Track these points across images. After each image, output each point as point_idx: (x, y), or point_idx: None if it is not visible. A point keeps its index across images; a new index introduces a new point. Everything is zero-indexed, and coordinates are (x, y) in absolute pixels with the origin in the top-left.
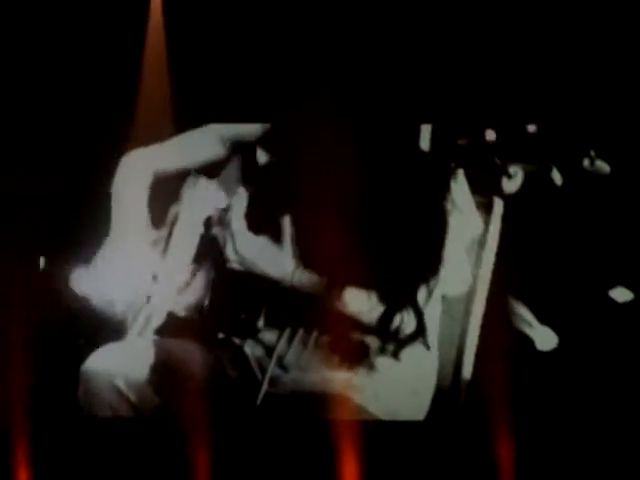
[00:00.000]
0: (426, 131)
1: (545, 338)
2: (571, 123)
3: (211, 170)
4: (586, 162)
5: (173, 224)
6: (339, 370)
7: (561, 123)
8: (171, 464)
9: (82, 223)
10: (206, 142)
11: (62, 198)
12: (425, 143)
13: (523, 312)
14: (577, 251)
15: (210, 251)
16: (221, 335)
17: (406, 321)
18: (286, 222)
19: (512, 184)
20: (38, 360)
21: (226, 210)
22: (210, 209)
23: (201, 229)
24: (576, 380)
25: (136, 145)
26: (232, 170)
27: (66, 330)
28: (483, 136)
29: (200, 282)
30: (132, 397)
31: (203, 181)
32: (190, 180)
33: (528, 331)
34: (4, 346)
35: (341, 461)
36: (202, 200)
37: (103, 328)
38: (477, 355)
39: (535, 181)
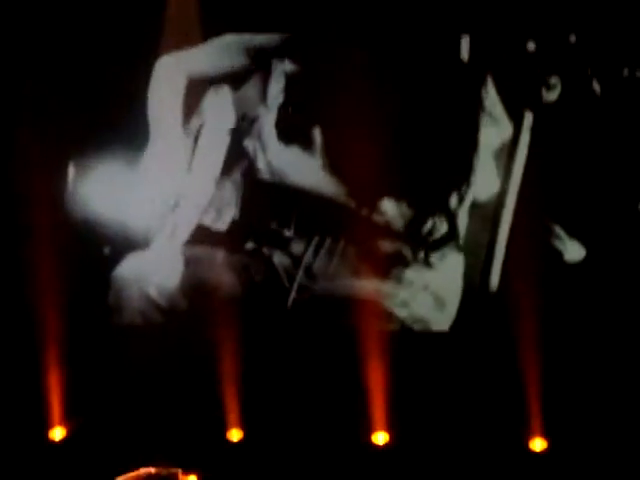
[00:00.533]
0: (466, 42)
1: (573, 250)
2: (611, 33)
3: (237, 80)
4: (626, 71)
5: (198, 134)
6: (367, 278)
7: (601, 33)
8: (200, 369)
9: (114, 129)
10: (231, 51)
11: (95, 103)
12: (465, 53)
13: (551, 224)
14: (609, 164)
15: (239, 162)
16: (250, 245)
17: (437, 225)
18: (316, 132)
19: (551, 94)
20: (66, 268)
21: (254, 121)
22: (235, 120)
23: (227, 140)
24: (603, 292)
25: (167, 50)
26: (259, 81)
27: (91, 239)
28: (524, 47)
29: (229, 193)
30: (163, 304)
31: (228, 91)
32: (215, 90)
33: (556, 243)
34: (34, 254)
35: (367, 367)
36: (227, 111)
37: (128, 237)
38: (504, 265)
39: (574, 91)
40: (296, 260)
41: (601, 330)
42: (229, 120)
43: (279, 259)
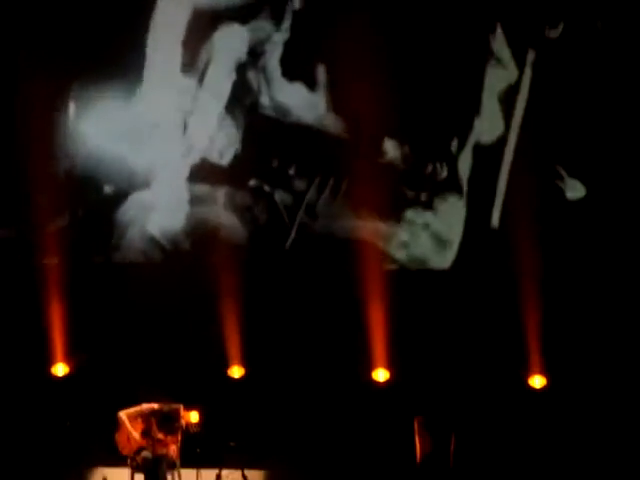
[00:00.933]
0: None
1: (574, 189)
2: None
3: (244, 15)
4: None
5: (205, 69)
6: (368, 219)
7: None
8: (202, 307)
9: (115, 63)
10: None
11: (97, 37)
12: None
13: (553, 164)
14: (610, 102)
15: (243, 97)
16: (252, 182)
17: (439, 169)
18: (321, 69)
19: (554, 32)
20: (68, 207)
21: (260, 56)
22: (243, 55)
23: (234, 75)
24: (603, 229)
25: None
26: (265, 16)
27: (92, 177)
28: None
29: (233, 129)
30: (165, 244)
31: (236, 26)
32: (222, 25)
33: (558, 182)
34: (35, 193)
35: (367, 307)
36: (235, 45)
37: (130, 175)
38: (505, 203)
39: (577, 28)
40: (298, 198)
41: (601, 266)
42: (237, 56)
43: (281, 197)
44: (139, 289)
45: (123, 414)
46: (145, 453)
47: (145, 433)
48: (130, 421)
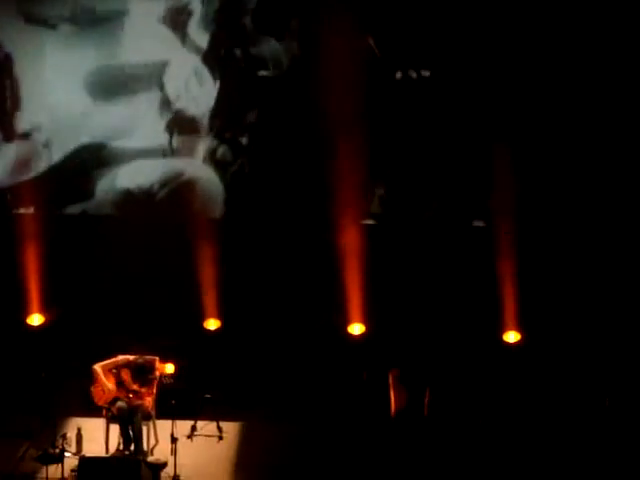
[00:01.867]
0: None
1: None
2: None
3: None
4: None
5: (187, 22)
6: None
7: None
8: (178, 260)
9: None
10: None
11: None
12: None
13: None
14: None
15: (219, 49)
16: (228, 135)
17: None
18: (294, 23)
19: None
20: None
21: (236, 9)
22: (220, 7)
23: (213, 27)
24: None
25: None
26: None
27: (69, 127)
28: None
29: (208, 81)
30: (140, 195)
31: None
32: None
33: None
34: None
35: (343, 261)
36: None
37: (106, 127)
38: None
39: None
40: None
41: (576, 219)
42: (214, 9)
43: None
44: (115, 240)
45: (98, 366)
46: (120, 403)
47: (120, 384)
48: (104, 373)
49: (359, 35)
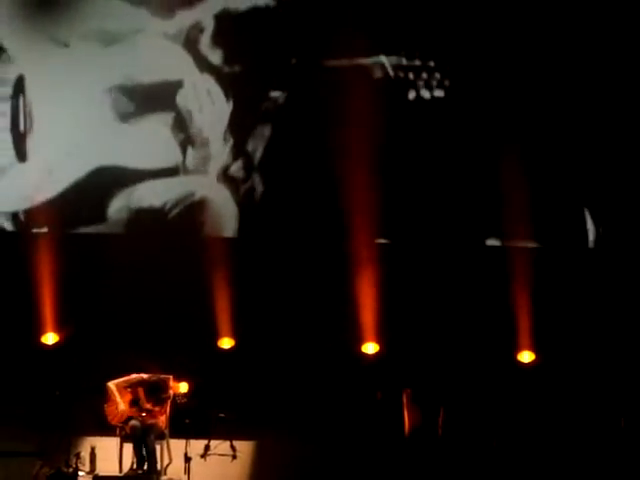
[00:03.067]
0: None
1: None
2: None
3: None
4: None
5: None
6: None
7: None
8: (192, 278)
9: None
10: None
11: None
12: None
13: None
14: None
15: (234, 68)
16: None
17: None
18: None
19: None
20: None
21: None
22: None
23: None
24: None
25: None
26: None
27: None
28: None
29: (221, 99)
30: (153, 214)
31: None
32: None
33: None
34: None
35: (357, 280)
36: None
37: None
38: None
39: None
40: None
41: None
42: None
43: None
44: (129, 260)
45: (112, 384)
46: (134, 422)
47: (133, 403)
48: (119, 391)
49: (370, 54)
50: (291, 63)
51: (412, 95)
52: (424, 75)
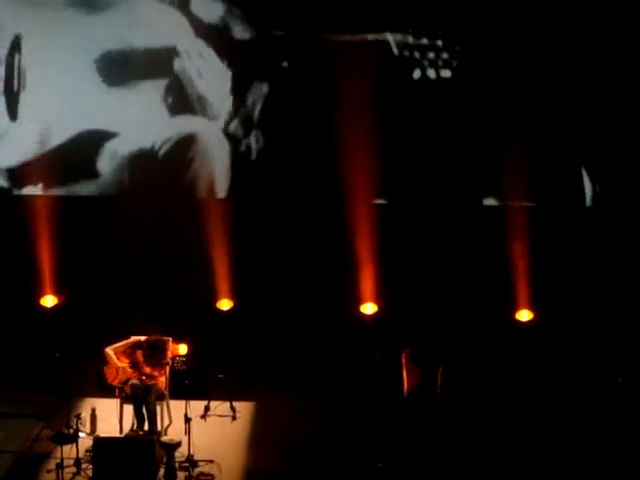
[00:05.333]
0: None
1: None
2: None
3: None
4: None
5: None
6: None
7: None
8: (190, 240)
9: None
10: None
11: None
12: None
13: None
14: None
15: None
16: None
17: None
18: None
19: None
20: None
21: None
22: None
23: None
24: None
25: None
26: None
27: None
28: None
29: (217, 62)
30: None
31: None
32: None
33: None
34: None
35: (356, 241)
36: None
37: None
38: None
39: None
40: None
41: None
42: None
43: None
44: (128, 221)
45: (110, 349)
46: (134, 382)
47: (133, 366)
48: (117, 355)
49: (376, 30)
50: (291, 34)
51: (417, 74)
52: (431, 55)
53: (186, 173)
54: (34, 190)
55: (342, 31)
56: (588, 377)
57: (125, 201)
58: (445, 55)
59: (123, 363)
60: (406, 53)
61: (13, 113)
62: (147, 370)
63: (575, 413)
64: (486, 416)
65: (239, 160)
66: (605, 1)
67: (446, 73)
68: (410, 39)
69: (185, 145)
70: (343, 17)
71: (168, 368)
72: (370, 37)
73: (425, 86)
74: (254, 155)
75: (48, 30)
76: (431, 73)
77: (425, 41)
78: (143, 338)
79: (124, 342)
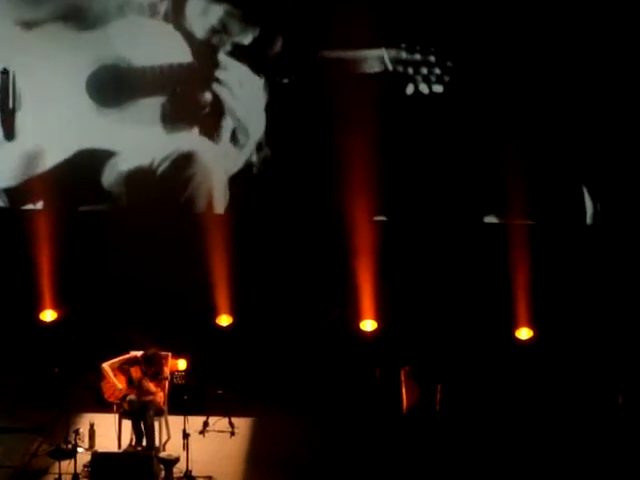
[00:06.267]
0: None
1: None
2: None
3: None
4: None
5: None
6: None
7: None
8: (189, 255)
9: None
10: None
11: None
12: None
13: None
14: None
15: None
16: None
17: None
18: None
19: None
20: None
21: None
22: None
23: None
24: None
25: None
26: None
27: None
28: None
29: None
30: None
31: None
32: None
33: None
34: None
35: (355, 257)
36: None
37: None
38: None
39: None
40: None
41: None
42: None
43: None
44: (127, 237)
45: (106, 365)
46: (131, 397)
47: (130, 382)
48: (114, 371)
49: (370, 46)
50: (286, 51)
51: (410, 90)
52: (423, 70)
53: (184, 189)
54: (33, 207)
55: (338, 47)
56: (588, 396)
57: (124, 217)
58: (438, 70)
59: (119, 379)
60: (400, 68)
61: (9, 134)
62: (145, 386)
63: (575, 432)
64: (485, 433)
65: (238, 176)
66: (600, 17)
67: (438, 88)
68: (403, 54)
69: (184, 161)
70: (339, 33)
71: (167, 383)
72: (364, 53)
73: (420, 101)
74: (255, 170)
75: (42, 48)
76: (424, 88)
77: (418, 56)
78: (138, 353)
79: (120, 358)
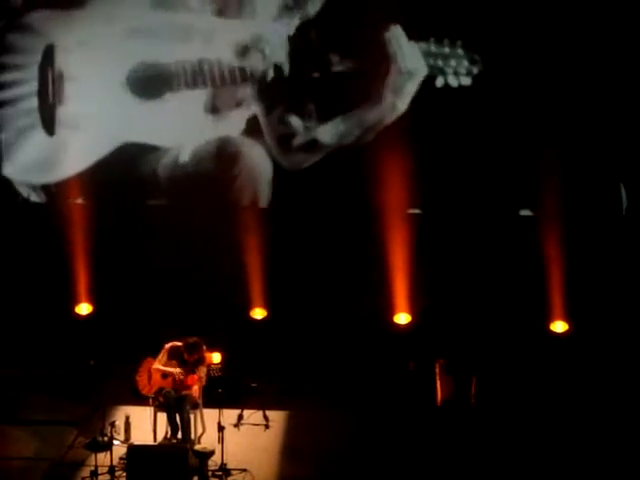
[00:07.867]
0: None
1: None
2: None
3: None
4: None
5: None
6: None
7: None
8: (224, 248)
9: None
10: None
11: None
12: None
13: None
14: None
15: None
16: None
17: None
18: None
19: None
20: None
21: None
22: None
23: None
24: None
25: None
26: None
27: None
28: None
29: None
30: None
31: None
32: None
33: None
34: None
35: (390, 250)
36: None
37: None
38: None
39: None
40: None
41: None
42: None
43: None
44: (163, 230)
45: (156, 365)
46: (167, 390)
47: (164, 375)
48: (165, 365)
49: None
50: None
51: (440, 82)
52: (452, 62)
53: (227, 182)
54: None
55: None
56: (623, 390)
57: (161, 210)
58: (467, 63)
59: (154, 378)
60: (430, 62)
61: (50, 128)
62: (182, 379)
63: (610, 426)
64: (520, 426)
65: (281, 171)
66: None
67: (467, 81)
68: (433, 47)
69: (227, 154)
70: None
71: (204, 376)
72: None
73: (452, 94)
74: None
75: (83, 41)
76: (453, 81)
77: (447, 49)
78: (179, 343)
79: (163, 351)
